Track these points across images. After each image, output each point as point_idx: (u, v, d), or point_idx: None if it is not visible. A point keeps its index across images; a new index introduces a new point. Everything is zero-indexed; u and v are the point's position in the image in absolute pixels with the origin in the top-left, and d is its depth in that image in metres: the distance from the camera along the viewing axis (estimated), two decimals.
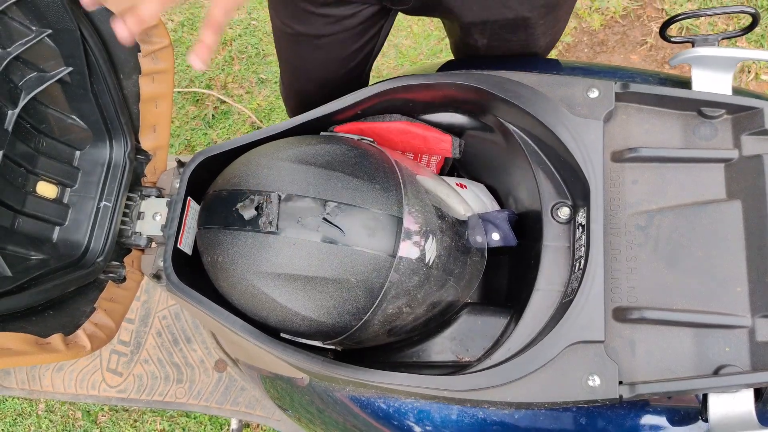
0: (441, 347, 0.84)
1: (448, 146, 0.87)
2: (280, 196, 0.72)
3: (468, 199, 0.91)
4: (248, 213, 0.72)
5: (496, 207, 0.94)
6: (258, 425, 1.54)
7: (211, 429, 1.55)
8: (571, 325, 0.67)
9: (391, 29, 1.09)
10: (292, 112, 1.25)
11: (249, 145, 0.84)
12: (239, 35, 1.94)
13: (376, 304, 0.73)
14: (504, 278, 0.94)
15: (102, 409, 1.60)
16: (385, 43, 1.95)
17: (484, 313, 0.84)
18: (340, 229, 0.72)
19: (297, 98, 1.18)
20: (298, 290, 0.73)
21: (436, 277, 0.77)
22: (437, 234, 0.77)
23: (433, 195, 0.82)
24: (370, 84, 1.04)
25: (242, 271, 0.74)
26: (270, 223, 0.71)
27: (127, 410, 1.59)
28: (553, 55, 1.78)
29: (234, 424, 1.29)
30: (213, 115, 1.89)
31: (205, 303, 0.76)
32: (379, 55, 1.95)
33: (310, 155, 0.77)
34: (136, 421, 1.59)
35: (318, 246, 0.71)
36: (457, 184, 0.93)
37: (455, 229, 0.82)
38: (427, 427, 0.72)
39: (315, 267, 0.71)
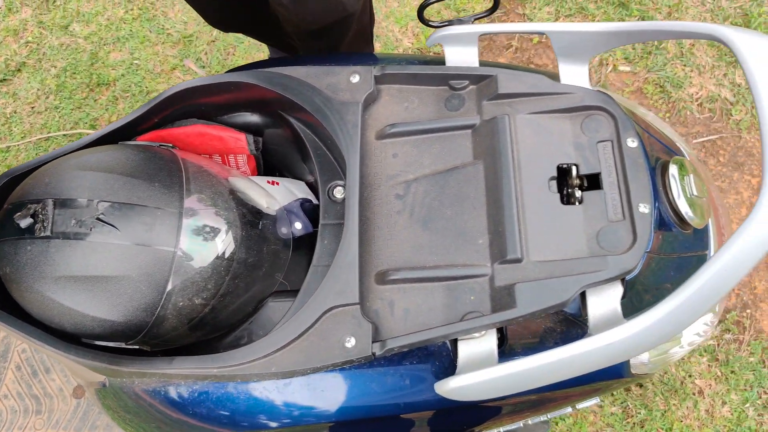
0: (249, 337, 0.86)
1: (244, 144, 0.91)
2: (55, 202, 0.75)
3: (277, 195, 0.94)
4: (24, 222, 0.74)
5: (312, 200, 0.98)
6: None
7: None
8: (328, 292, 0.70)
9: None
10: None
11: (51, 160, 0.86)
12: (122, 75, 1.98)
13: (164, 298, 0.76)
14: None
15: None
16: None
17: (286, 297, 0.87)
18: (115, 227, 0.74)
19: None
20: (81, 291, 0.74)
21: (232, 269, 0.80)
22: (232, 227, 0.80)
23: (234, 191, 0.86)
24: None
25: (27, 279, 0.75)
26: (44, 227, 0.74)
27: None
28: None
29: None
30: None
31: (1, 316, 0.77)
32: None
33: (91, 162, 0.80)
34: None
35: (93, 245, 0.74)
36: (268, 182, 0.97)
37: (255, 222, 0.85)
38: (207, 407, 0.74)
39: (93, 266, 0.74)
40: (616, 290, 0.67)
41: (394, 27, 1.98)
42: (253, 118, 0.92)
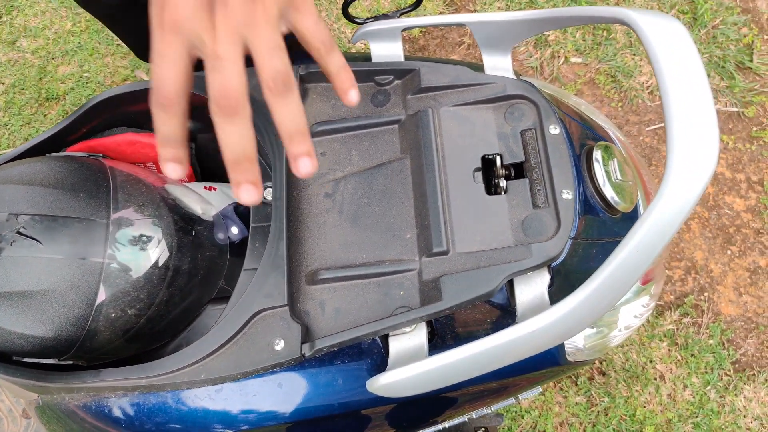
0: (187, 344, 0.84)
1: None
2: None
3: (214, 200, 0.93)
4: None
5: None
6: None
7: None
8: (255, 295, 0.69)
9: None
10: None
11: None
12: (72, 88, 1.95)
13: (94, 310, 0.74)
14: None
15: None
16: None
17: (222, 303, 0.86)
18: (37, 240, 0.73)
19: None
20: (5, 308, 0.73)
21: (167, 278, 0.79)
22: (165, 235, 0.79)
23: (167, 199, 0.84)
24: None
25: None
26: None
27: None
28: None
29: None
30: None
31: None
32: None
33: (12, 175, 0.78)
34: None
35: (14, 260, 0.72)
36: (205, 188, 0.96)
37: (188, 228, 0.84)
38: (140, 419, 0.72)
39: (15, 281, 0.72)
40: (543, 278, 0.67)
41: (346, 29, 1.97)
42: None
